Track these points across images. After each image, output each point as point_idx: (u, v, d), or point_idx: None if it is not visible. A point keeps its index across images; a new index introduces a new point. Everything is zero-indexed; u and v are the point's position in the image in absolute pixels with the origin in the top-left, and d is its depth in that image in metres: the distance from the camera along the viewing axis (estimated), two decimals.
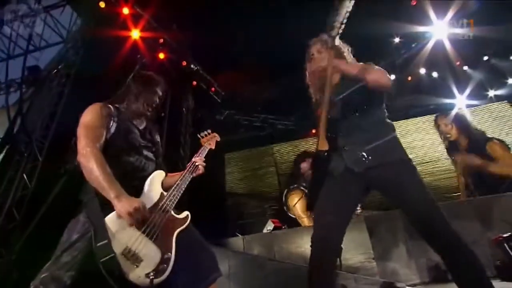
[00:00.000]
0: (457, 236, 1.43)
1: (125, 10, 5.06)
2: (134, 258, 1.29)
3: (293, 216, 4.58)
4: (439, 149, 6.77)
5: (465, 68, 7.07)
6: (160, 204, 1.50)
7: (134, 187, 1.50)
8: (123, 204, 1.31)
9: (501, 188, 3.08)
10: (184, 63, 6.28)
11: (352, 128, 1.65)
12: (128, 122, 1.64)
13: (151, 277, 1.27)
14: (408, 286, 2.80)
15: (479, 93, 7.41)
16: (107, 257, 1.20)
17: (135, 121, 1.70)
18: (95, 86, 3.54)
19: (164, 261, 1.34)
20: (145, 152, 1.65)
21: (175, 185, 1.61)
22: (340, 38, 1.83)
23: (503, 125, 7.18)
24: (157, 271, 1.30)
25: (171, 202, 1.53)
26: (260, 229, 4.58)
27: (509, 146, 3.29)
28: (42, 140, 4.64)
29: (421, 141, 7.38)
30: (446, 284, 1.49)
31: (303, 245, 3.31)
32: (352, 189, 1.63)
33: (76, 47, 5.18)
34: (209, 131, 2.18)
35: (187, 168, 1.75)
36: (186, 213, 1.59)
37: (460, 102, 7.29)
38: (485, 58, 6.94)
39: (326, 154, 1.62)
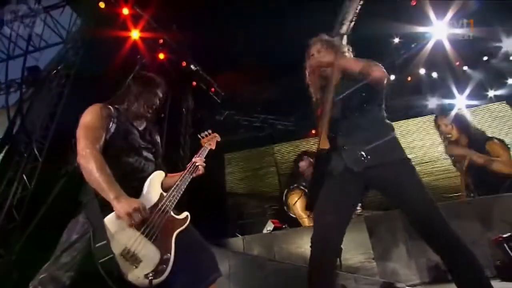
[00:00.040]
0: (456, 236, 1.43)
1: (125, 11, 5.06)
2: (133, 258, 1.29)
3: (294, 216, 4.58)
4: (439, 149, 6.78)
5: (465, 68, 7.07)
6: (160, 205, 1.49)
7: (134, 188, 1.50)
8: (122, 205, 1.31)
9: (501, 188, 3.08)
10: (184, 63, 6.28)
11: (352, 128, 1.65)
12: (128, 123, 1.64)
13: (150, 278, 1.27)
14: (408, 286, 2.80)
15: (478, 93, 7.41)
16: (106, 258, 1.20)
17: (135, 122, 1.69)
18: (95, 86, 3.54)
19: (163, 261, 1.34)
20: (145, 153, 1.65)
21: (174, 186, 1.61)
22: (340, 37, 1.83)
23: (503, 125, 7.19)
24: (156, 272, 1.30)
25: (170, 203, 1.53)
26: (260, 229, 4.58)
27: (509, 146, 3.29)
28: (42, 141, 4.64)
29: (420, 141, 7.39)
30: (446, 284, 1.49)
31: (303, 245, 3.31)
32: (351, 188, 1.63)
33: (75, 47, 5.18)
34: (210, 131, 2.18)
35: (187, 169, 1.75)
36: (185, 213, 1.59)
37: (460, 102, 7.30)
38: (485, 58, 6.94)
39: (327, 153, 1.62)
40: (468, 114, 5.97)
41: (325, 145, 1.61)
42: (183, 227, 1.52)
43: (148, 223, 1.39)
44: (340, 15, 1.57)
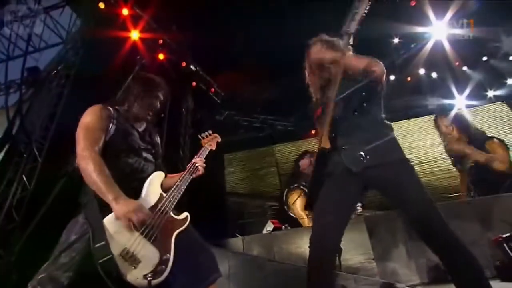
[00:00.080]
0: (455, 236, 1.43)
1: (125, 11, 5.06)
2: (132, 259, 1.29)
3: (294, 216, 4.59)
4: (438, 149, 6.80)
5: (464, 68, 7.08)
6: (159, 205, 1.49)
7: (133, 189, 1.50)
8: (120, 206, 1.31)
9: (501, 188, 3.09)
10: (184, 64, 6.28)
11: (352, 128, 1.65)
12: (128, 124, 1.63)
13: (149, 278, 1.26)
14: (408, 286, 2.81)
15: (478, 94, 7.42)
16: (105, 258, 1.20)
17: (135, 123, 1.69)
18: (94, 87, 3.54)
19: (162, 262, 1.34)
20: (145, 154, 1.65)
21: (174, 186, 1.61)
22: (340, 38, 1.83)
23: (503, 125, 7.19)
24: (155, 272, 1.30)
25: (170, 203, 1.53)
26: (260, 229, 4.58)
27: (508, 146, 3.29)
28: (42, 141, 4.64)
29: (420, 141, 7.41)
30: (446, 285, 1.49)
31: (303, 245, 3.32)
32: (351, 188, 1.63)
33: (75, 48, 5.18)
34: (210, 131, 2.17)
35: (187, 169, 1.75)
36: (185, 214, 1.58)
37: (460, 102, 7.31)
38: (484, 58, 6.94)
39: (327, 153, 1.62)
40: (468, 114, 5.99)
41: (326, 144, 1.61)
42: (183, 227, 1.52)
43: (148, 223, 1.38)
44: (350, 14, 1.57)
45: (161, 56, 5.80)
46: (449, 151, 3.45)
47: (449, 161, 3.68)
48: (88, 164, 1.38)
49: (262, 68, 5.95)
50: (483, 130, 3.63)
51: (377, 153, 1.57)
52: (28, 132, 4.57)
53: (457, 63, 6.81)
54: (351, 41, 1.63)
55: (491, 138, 3.30)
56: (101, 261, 1.19)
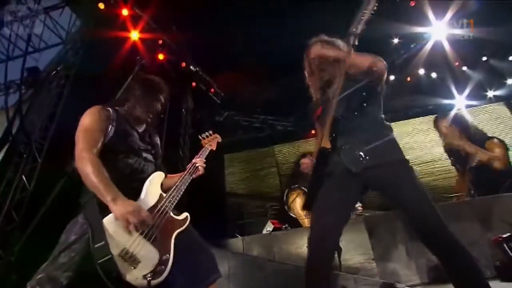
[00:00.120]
0: (454, 238, 1.43)
1: (124, 12, 5.06)
2: (131, 259, 1.29)
3: (294, 216, 4.59)
4: (438, 150, 6.79)
5: (464, 68, 7.08)
6: (159, 206, 1.49)
7: (133, 189, 1.50)
8: (119, 207, 1.31)
9: (501, 188, 3.09)
10: (184, 64, 6.28)
11: (352, 128, 1.65)
12: (127, 125, 1.63)
13: (148, 279, 1.26)
14: (408, 286, 2.80)
15: (478, 94, 7.43)
16: (104, 259, 1.20)
17: (135, 124, 1.69)
18: (94, 87, 3.54)
19: (162, 262, 1.34)
20: (144, 154, 1.65)
21: (174, 187, 1.61)
22: (340, 38, 1.83)
23: (504, 126, 7.20)
24: (155, 273, 1.30)
25: (170, 204, 1.53)
26: (259, 229, 4.59)
27: (509, 146, 3.30)
28: (41, 142, 4.64)
29: (420, 141, 7.40)
30: (446, 285, 1.49)
31: (303, 246, 3.31)
32: (350, 189, 1.63)
33: (75, 48, 5.18)
34: (210, 132, 2.17)
35: (187, 169, 1.75)
36: (185, 214, 1.58)
37: (459, 102, 7.31)
38: (484, 58, 6.95)
39: (327, 153, 1.62)
40: (467, 115, 5.99)
41: (326, 144, 1.61)
42: (183, 227, 1.52)
43: (147, 223, 1.38)
44: (358, 15, 1.56)
45: (161, 57, 5.80)
46: (449, 146, 3.44)
47: (449, 161, 3.67)
48: (87, 166, 1.38)
49: (262, 68, 5.95)
50: (483, 130, 3.62)
51: (377, 153, 1.57)
52: (28, 133, 4.57)
53: (457, 63, 6.81)
54: (356, 42, 1.62)
55: (491, 138, 3.31)
56: (100, 261, 1.19)
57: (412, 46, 6.56)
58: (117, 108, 1.65)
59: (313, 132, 7.31)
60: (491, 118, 7.38)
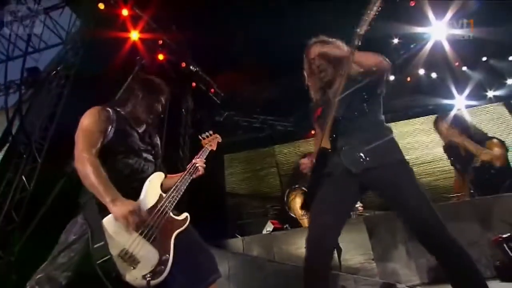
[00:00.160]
0: (452, 238, 1.43)
1: (124, 12, 5.06)
2: (131, 259, 1.29)
3: (295, 216, 4.59)
4: (439, 150, 6.78)
5: (464, 68, 7.08)
6: (159, 206, 1.49)
7: (134, 189, 1.50)
8: (118, 208, 1.31)
9: (501, 188, 3.09)
10: (184, 64, 6.28)
11: (352, 129, 1.65)
12: (127, 125, 1.63)
13: (148, 279, 1.26)
14: (408, 286, 2.80)
15: (478, 94, 7.42)
16: (103, 259, 1.20)
17: (135, 124, 1.69)
18: (94, 87, 3.54)
19: (161, 262, 1.34)
20: (145, 155, 1.65)
21: (174, 187, 1.61)
22: (340, 39, 1.83)
23: (505, 126, 7.20)
24: (154, 273, 1.30)
25: (170, 204, 1.53)
26: (259, 229, 4.59)
27: (509, 147, 3.30)
28: (41, 142, 4.64)
29: (420, 141, 7.40)
30: (446, 285, 1.49)
31: (303, 246, 3.29)
32: (350, 189, 1.63)
33: (75, 48, 5.18)
34: (211, 132, 2.17)
35: (187, 170, 1.75)
36: (185, 214, 1.58)
37: (459, 102, 7.31)
38: (484, 58, 6.95)
39: (327, 153, 1.61)
40: (467, 115, 5.99)
41: (327, 144, 1.61)
42: (182, 228, 1.52)
43: (147, 224, 1.38)
44: (365, 15, 1.57)
45: (160, 57, 5.80)
46: (449, 145, 3.44)
47: (449, 161, 3.67)
48: (86, 166, 1.38)
49: (262, 68, 5.95)
50: (483, 131, 3.63)
51: (377, 153, 1.57)
52: (28, 133, 4.57)
53: (457, 63, 6.81)
54: (359, 42, 1.62)
55: (491, 138, 3.31)
56: (99, 261, 1.19)
57: (412, 46, 6.55)
58: (117, 108, 1.65)
59: (313, 132, 7.31)
60: (491, 118, 7.38)
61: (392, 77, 6.74)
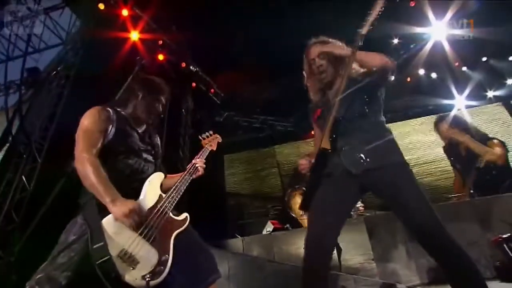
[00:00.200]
0: (452, 239, 1.43)
1: (124, 12, 5.06)
2: (130, 260, 1.29)
3: (295, 216, 4.59)
4: (439, 150, 6.78)
5: (464, 69, 7.08)
6: (158, 206, 1.49)
7: (134, 189, 1.50)
8: (118, 208, 1.32)
9: (501, 188, 3.09)
10: (184, 64, 6.28)
11: (352, 129, 1.65)
12: (128, 125, 1.63)
13: (147, 279, 1.26)
14: (408, 287, 2.80)
15: (478, 94, 7.42)
16: (103, 259, 1.20)
17: (135, 124, 1.69)
18: (94, 87, 3.54)
19: (161, 263, 1.34)
20: (145, 155, 1.65)
21: (174, 187, 1.61)
22: (340, 39, 1.83)
23: (506, 126, 7.19)
24: (154, 273, 1.30)
25: (169, 204, 1.53)
26: (260, 230, 4.58)
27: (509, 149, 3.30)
28: (41, 142, 4.64)
29: (421, 141, 7.39)
30: (446, 286, 1.49)
31: (303, 246, 3.31)
32: (349, 190, 1.63)
33: (75, 48, 5.18)
34: (211, 132, 2.17)
35: (187, 170, 1.75)
36: (185, 214, 1.58)
37: (459, 103, 7.31)
38: (484, 59, 6.94)
39: (327, 154, 1.61)
40: (467, 116, 5.99)
41: (326, 145, 1.61)
42: (182, 228, 1.52)
43: (146, 224, 1.38)
44: (368, 15, 1.57)
45: (160, 57, 5.80)
46: (450, 144, 3.43)
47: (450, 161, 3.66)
48: (86, 167, 1.38)
49: (262, 68, 5.95)
50: (483, 131, 3.62)
51: (377, 154, 1.56)
52: (28, 133, 4.57)
53: (456, 64, 6.81)
54: (361, 42, 1.62)
55: (492, 138, 3.31)
56: (99, 262, 1.20)
57: (412, 46, 6.55)
58: (117, 108, 1.65)
59: (312, 133, 7.31)
60: (491, 118, 7.38)
61: (392, 77, 6.74)
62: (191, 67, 6.38)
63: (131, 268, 1.28)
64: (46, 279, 1.26)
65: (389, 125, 1.73)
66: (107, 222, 1.32)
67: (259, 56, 5.63)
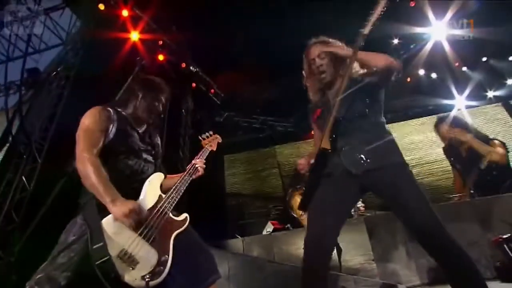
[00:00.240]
0: (452, 239, 1.43)
1: (125, 12, 5.06)
2: (130, 260, 1.29)
3: (296, 216, 4.59)
4: (440, 150, 6.77)
5: (464, 69, 7.07)
6: (158, 206, 1.49)
7: (134, 190, 1.50)
8: (118, 208, 1.32)
9: (501, 188, 3.08)
10: (184, 65, 6.29)
11: (352, 129, 1.64)
12: (128, 125, 1.63)
13: (147, 280, 1.26)
14: (408, 287, 2.80)
15: (478, 94, 7.42)
16: (102, 260, 1.20)
17: (135, 125, 1.69)
18: (94, 88, 3.55)
19: (161, 263, 1.34)
20: (145, 155, 1.65)
21: (174, 187, 1.61)
22: (340, 39, 1.83)
23: (507, 127, 7.18)
24: (153, 274, 1.30)
25: (169, 204, 1.53)
26: (260, 230, 4.58)
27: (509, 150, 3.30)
28: (41, 142, 4.64)
29: (422, 142, 7.39)
30: (446, 286, 1.48)
31: (303, 246, 3.31)
32: (349, 190, 1.63)
33: (75, 49, 5.18)
34: (211, 132, 2.17)
35: (187, 170, 1.75)
36: (184, 215, 1.58)
37: (459, 103, 7.30)
38: (484, 59, 6.94)
39: (327, 154, 1.61)
40: (467, 116, 5.98)
41: (326, 145, 1.60)
42: (182, 228, 1.51)
43: (146, 224, 1.38)
44: (370, 15, 1.57)
45: (161, 57, 5.80)
46: (449, 146, 3.43)
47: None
48: (86, 166, 1.38)
49: (262, 68, 5.95)
50: (484, 132, 3.62)
51: (377, 154, 1.56)
52: (28, 133, 4.57)
53: (457, 64, 6.81)
54: (362, 42, 1.62)
55: (492, 139, 3.30)
56: (98, 262, 1.19)
57: (412, 46, 6.55)
58: (117, 108, 1.65)
59: (312, 133, 7.30)
60: (492, 118, 7.37)
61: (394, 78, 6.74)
62: (191, 67, 6.39)
63: (131, 268, 1.27)
64: (46, 279, 1.26)
65: (389, 125, 1.72)
66: (107, 222, 1.32)
67: (259, 56, 5.63)
